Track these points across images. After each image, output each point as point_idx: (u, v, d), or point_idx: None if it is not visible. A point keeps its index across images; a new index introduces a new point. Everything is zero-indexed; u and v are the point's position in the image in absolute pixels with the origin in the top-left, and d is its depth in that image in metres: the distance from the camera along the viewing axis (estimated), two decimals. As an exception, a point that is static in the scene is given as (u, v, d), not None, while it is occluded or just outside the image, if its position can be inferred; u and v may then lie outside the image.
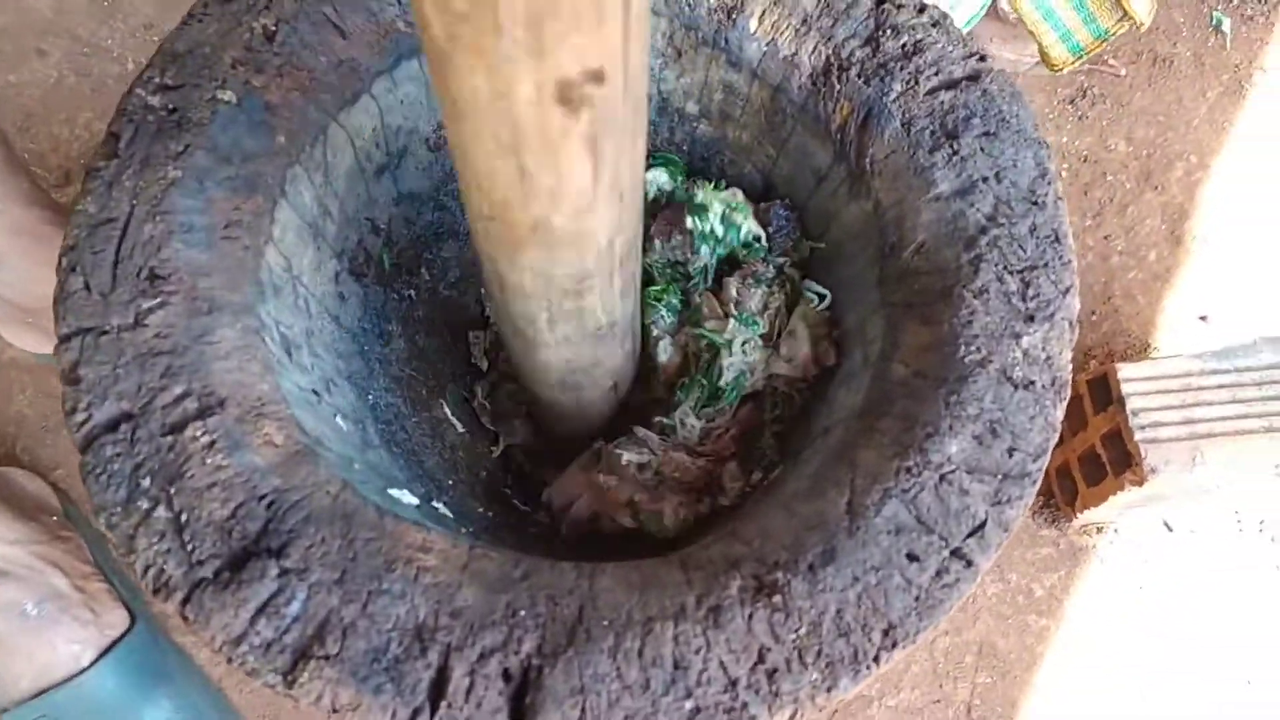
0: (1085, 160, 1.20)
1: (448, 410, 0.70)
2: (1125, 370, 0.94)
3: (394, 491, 0.52)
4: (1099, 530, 1.07)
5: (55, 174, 1.18)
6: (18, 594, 0.85)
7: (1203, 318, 1.15)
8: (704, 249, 0.64)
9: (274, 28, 0.53)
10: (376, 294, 0.63)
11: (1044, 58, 1.02)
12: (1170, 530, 1.07)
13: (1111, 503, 0.96)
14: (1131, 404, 0.92)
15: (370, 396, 0.60)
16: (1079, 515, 1.02)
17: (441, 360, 0.70)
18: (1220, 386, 0.92)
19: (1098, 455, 0.97)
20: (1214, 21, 1.28)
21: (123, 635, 0.90)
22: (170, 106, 0.50)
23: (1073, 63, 1.00)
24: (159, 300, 0.46)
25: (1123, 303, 1.15)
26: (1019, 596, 1.04)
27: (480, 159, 0.35)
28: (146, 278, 0.46)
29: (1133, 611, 1.04)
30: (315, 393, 0.52)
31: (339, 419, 0.53)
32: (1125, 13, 0.95)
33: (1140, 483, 0.90)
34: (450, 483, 0.64)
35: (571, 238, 0.39)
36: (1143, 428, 0.91)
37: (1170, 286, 1.16)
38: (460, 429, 0.70)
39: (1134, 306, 1.15)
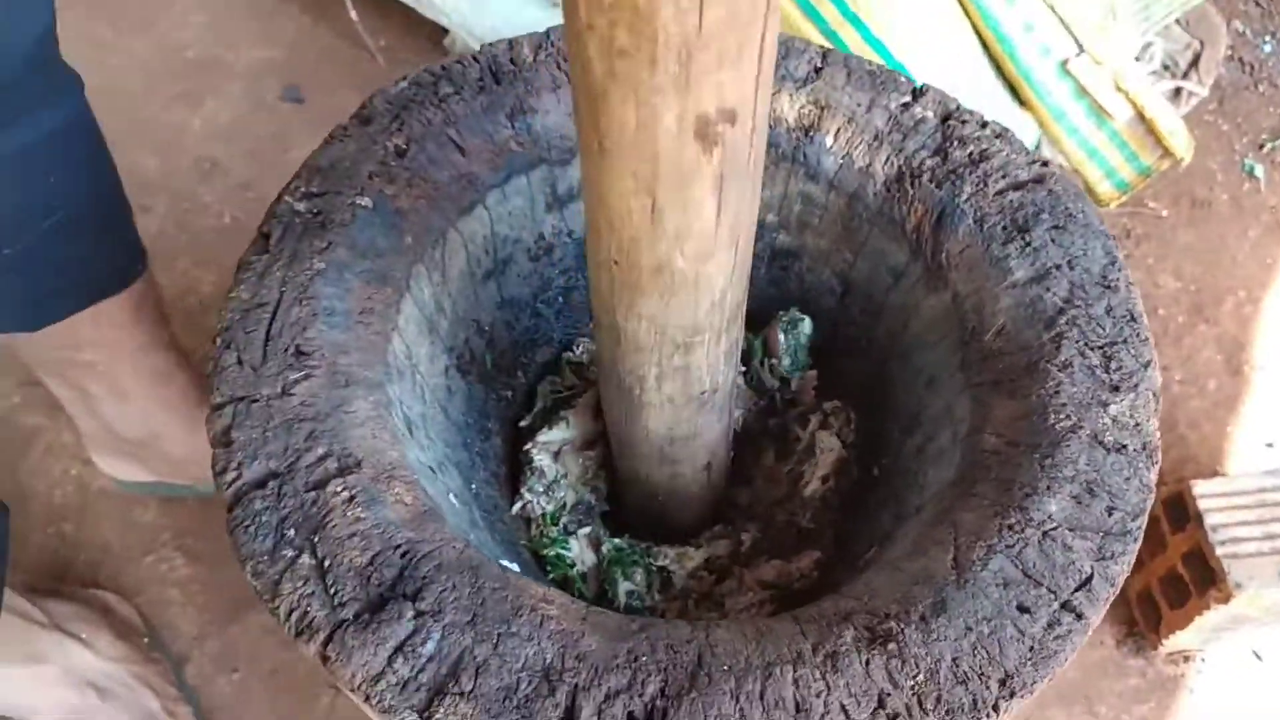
0: (1135, 294, 1.24)
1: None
2: (1200, 487, 0.94)
3: (505, 562, 0.54)
4: (1186, 659, 1.03)
5: (155, 317, 1.26)
6: (115, 714, 0.86)
7: (1269, 444, 1.15)
8: None
9: (405, 146, 0.59)
10: (479, 391, 0.67)
11: (1090, 194, 1.07)
12: (1260, 659, 1.03)
13: (1198, 624, 0.94)
14: (1210, 520, 0.91)
15: (474, 486, 0.63)
16: (1164, 641, 1.00)
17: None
18: (1297, 502, 0.92)
19: (1179, 576, 0.95)
20: (1245, 168, 1.34)
21: (202, 760, 0.90)
22: (315, 210, 0.56)
23: (1119, 198, 1.06)
24: (304, 373, 0.50)
25: (1188, 431, 1.16)
26: (1109, 730, 1.00)
27: (616, 198, 0.39)
28: (293, 354, 0.50)
29: (1230, 746, 1.00)
30: (432, 469, 0.55)
31: (451, 497, 0.56)
32: (1166, 149, 1.01)
33: (1226, 600, 0.89)
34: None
35: (690, 283, 0.43)
36: (1223, 543, 0.90)
37: (1234, 414, 1.17)
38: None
39: (1199, 434, 1.15)
